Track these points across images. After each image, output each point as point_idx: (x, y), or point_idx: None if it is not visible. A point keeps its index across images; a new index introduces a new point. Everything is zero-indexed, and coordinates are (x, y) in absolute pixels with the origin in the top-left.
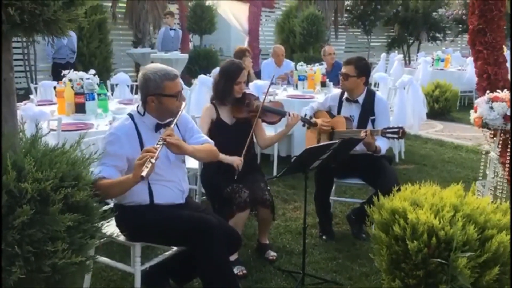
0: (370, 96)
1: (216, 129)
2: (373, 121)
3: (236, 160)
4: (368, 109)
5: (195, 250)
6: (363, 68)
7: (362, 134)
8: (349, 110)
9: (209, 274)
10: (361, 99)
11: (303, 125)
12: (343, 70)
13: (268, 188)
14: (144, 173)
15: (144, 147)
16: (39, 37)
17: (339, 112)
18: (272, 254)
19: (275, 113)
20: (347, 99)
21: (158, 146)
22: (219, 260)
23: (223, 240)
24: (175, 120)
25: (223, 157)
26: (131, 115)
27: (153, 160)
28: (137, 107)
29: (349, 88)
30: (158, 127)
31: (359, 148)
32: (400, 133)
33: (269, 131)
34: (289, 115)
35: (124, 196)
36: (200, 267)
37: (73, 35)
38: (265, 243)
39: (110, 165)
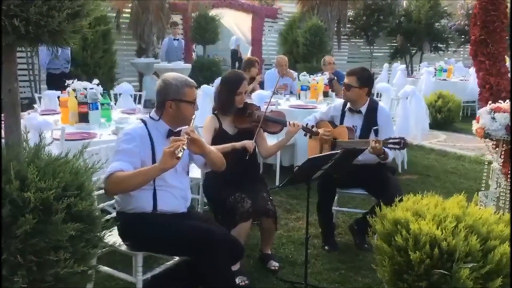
0: (373, 107)
1: (218, 139)
2: (375, 131)
3: (247, 143)
4: (370, 120)
5: (197, 260)
6: (365, 79)
7: (372, 143)
8: (351, 120)
9: (211, 284)
10: (363, 109)
11: (305, 135)
12: (345, 80)
13: (271, 198)
14: (180, 154)
15: (155, 152)
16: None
17: (341, 122)
18: (274, 264)
19: (276, 122)
20: (349, 109)
21: (183, 138)
22: (221, 270)
23: (226, 250)
24: (192, 121)
25: (234, 144)
26: (143, 121)
27: (185, 147)
28: (149, 113)
29: (351, 99)
30: (169, 134)
31: (362, 158)
32: (402, 144)
33: (271, 141)
34: (290, 124)
35: (128, 202)
36: (202, 277)
37: None
38: (267, 253)
39: (126, 161)
